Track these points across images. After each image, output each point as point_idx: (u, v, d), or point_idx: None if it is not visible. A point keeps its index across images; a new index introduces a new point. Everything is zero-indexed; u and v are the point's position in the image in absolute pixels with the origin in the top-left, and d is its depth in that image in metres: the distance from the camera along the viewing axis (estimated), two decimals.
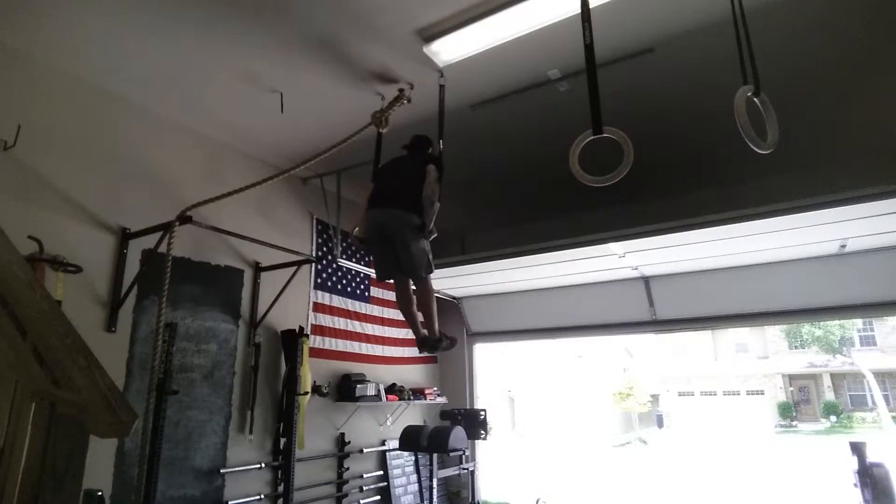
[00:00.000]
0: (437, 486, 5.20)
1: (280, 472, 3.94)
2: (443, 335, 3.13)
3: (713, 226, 3.53)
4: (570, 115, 3.18)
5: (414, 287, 3.14)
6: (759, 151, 2.18)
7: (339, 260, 4.70)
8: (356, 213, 3.30)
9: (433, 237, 2.88)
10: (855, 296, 4.39)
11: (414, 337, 3.22)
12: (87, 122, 3.24)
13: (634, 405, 23.70)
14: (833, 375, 22.93)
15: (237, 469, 3.66)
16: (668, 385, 25.67)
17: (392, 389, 5.22)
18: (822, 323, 21.48)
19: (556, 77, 3.27)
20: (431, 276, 3.03)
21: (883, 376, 21.50)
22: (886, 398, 21.11)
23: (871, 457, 3.83)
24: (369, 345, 5.24)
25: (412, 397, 5.44)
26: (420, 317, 3.17)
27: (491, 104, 3.56)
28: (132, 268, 3.26)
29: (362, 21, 2.74)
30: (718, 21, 2.65)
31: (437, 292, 5.65)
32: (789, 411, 22.70)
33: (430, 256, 2.97)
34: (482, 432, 5.52)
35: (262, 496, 3.79)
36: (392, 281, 3.13)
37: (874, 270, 4.22)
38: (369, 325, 5.28)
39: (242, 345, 3.92)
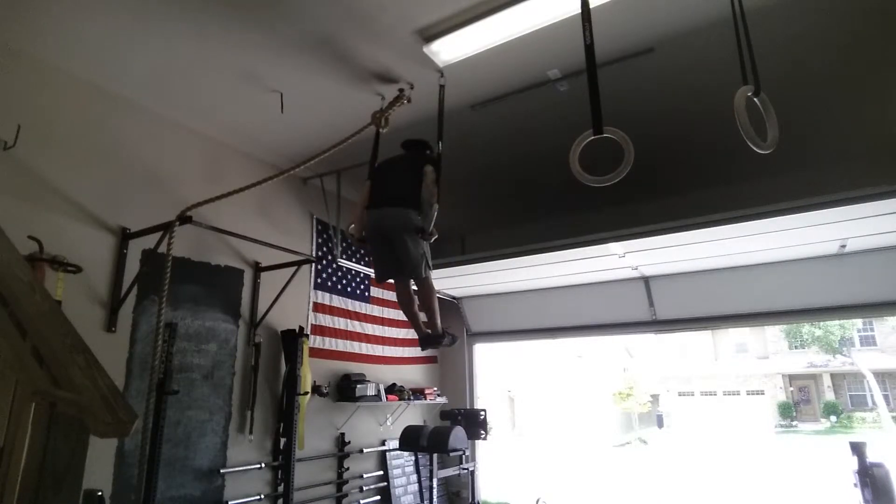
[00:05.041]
0: (437, 486, 5.20)
1: (280, 472, 3.94)
2: (445, 331, 3.15)
3: (713, 226, 3.53)
4: (570, 115, 3.19)
5: (415, 287, 3.14)
6: (759, 151, 2.18)
7: (339, 260, 4.70)
8: (354, 211, 3.32)
9: (434, 238, 2.88)
10: (855, 296, 4.39)
11: (416, 336, 3.25)
12: (87, 122, 3.24)
13: (634, 405, 23.68)
14: (833, 375, 22.90)
15: (237, 469, 3.66)
16: (668, 385, 25.64)
17: (392, 389, 5.22)
18: (822, 323, 21.46)
19: (556, 77, 3.27)
20: (431, 274, 3.03)
21: (883, 376, 21.48)
22: (886, 398, 21.09)
23: (871, 457, 3.83)
24: (369, 345, 5.24)
25: (412, 397, 5.44)
26: (422, 315, 3.18)
27: (491, 104, 3.56)
28: (132, 268, 3.26)
29: (362, 21, 2.74)
30: (718, 21, 2.65)
31: (438, 292, 5.67)
32: (789, 411, 22.67)
33: (430, 255, 2.97)
34: (482, 432, 5.52)
35: (262, 496, 3.79)
36: (392, 281, 3.14)
37: (874, 270, 4.22)
38: (369, 325, 5.28)
39: (242, 345, 3.92)
